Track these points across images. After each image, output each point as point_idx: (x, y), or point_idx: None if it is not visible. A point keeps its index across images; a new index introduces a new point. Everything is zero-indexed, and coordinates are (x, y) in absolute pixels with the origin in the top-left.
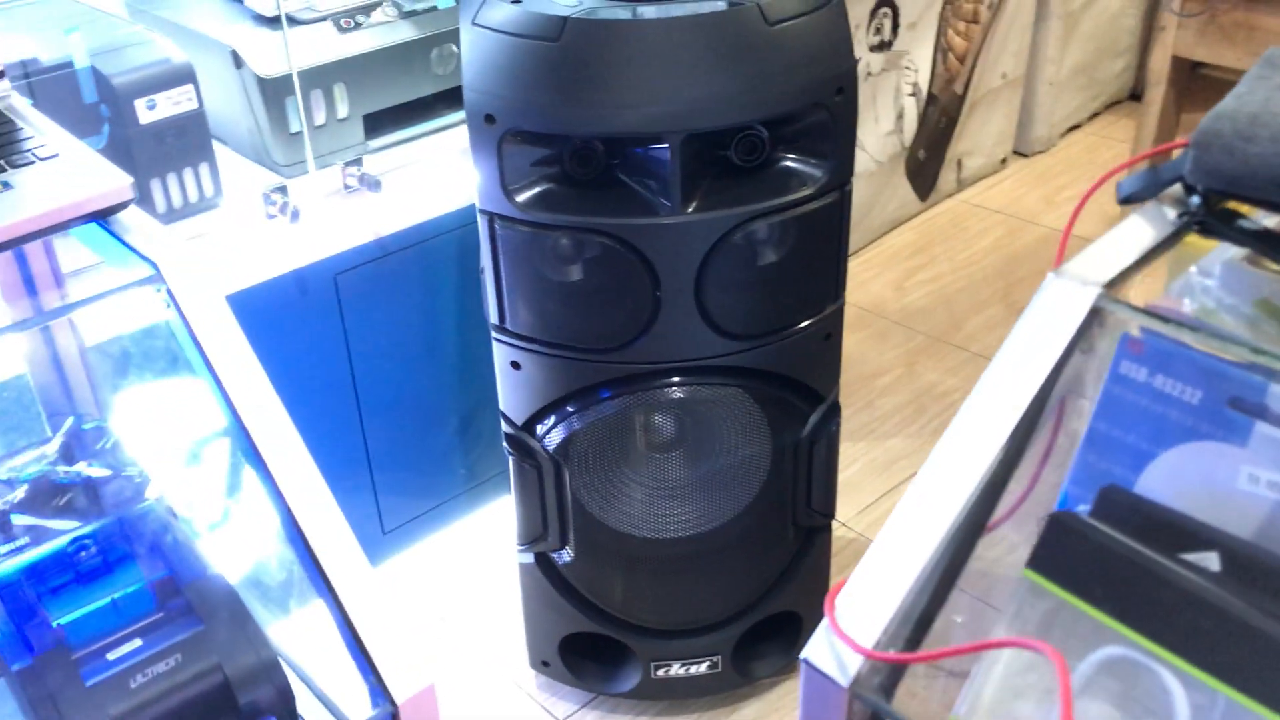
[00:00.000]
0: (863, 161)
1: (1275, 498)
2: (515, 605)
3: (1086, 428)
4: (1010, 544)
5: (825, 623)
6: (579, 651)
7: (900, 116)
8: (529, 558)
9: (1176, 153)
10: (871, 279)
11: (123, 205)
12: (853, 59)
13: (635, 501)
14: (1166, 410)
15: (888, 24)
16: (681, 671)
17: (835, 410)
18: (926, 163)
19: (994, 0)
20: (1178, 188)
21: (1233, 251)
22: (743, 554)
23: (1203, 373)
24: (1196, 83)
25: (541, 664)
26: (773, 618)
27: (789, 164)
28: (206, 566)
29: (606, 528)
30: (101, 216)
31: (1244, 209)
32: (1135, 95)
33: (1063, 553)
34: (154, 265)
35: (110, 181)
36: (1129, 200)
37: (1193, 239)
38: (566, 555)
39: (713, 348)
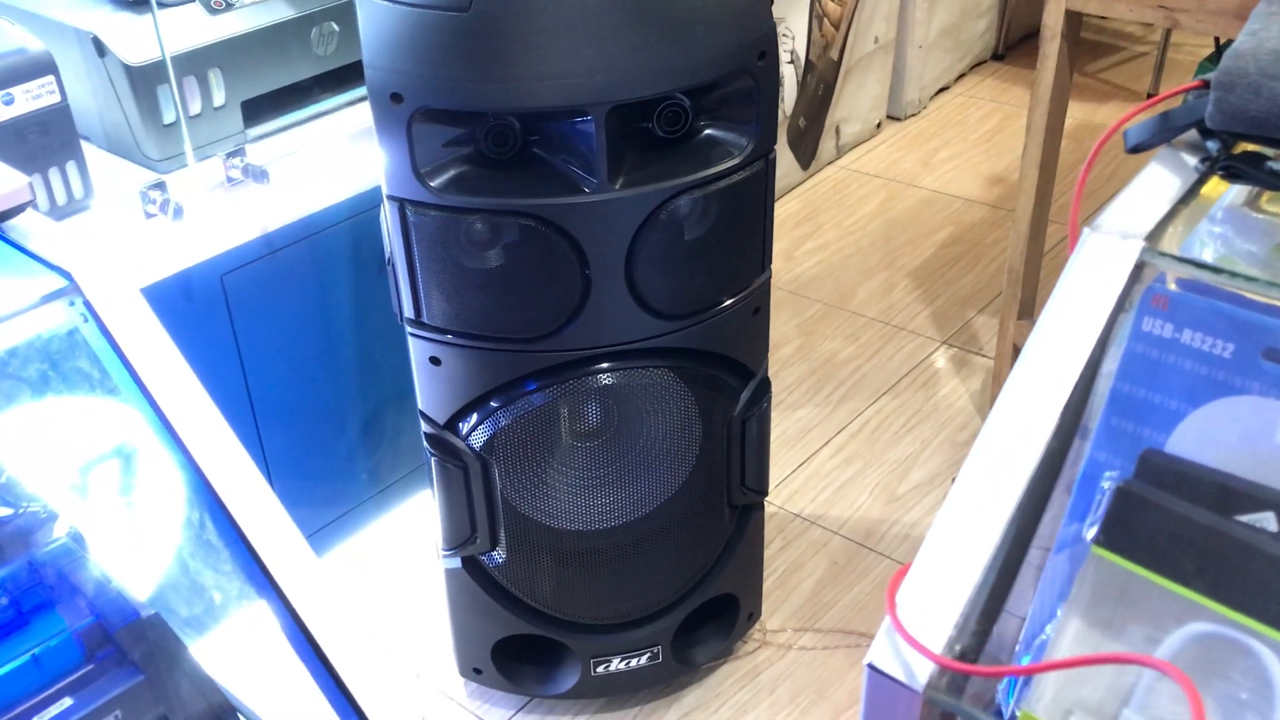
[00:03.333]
0: None
1: None
2: (435, 611)
3: (1109, 389)
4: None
5: (888, 625)
6: (513, 655)
7: (780, 85)
8: (455, 562)
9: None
10: None
11: (20, 209)
12: (773, 21)
13: (567, 494)
14: (1196, 366)
15: None
16: (622, 666)
17: (766, 386)
18: (807, 131)
19: None
20: (1190, 134)
21: (1233, 198)
22: (679, 539)
23: (1235, 325)
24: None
25: (473, 671)
26: (710, 601)
27: (713, 133)
28: (136, 605)
29: (538, 524)
30: None
31: (1269, 151)
32: (998, 55)
33: (1133, 526)
34: (67, 275)
35: (3, 182)
36: (1138, 148)
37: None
38: (497, 556)
39: (644, 329)
